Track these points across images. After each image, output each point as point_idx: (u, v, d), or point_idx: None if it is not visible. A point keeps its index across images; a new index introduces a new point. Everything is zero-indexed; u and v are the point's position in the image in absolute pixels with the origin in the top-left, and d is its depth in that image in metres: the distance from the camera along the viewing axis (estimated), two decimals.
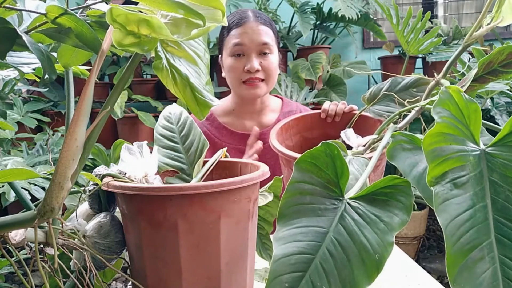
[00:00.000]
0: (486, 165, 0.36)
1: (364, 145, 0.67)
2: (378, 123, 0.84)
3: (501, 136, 0.37)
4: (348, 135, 0.74)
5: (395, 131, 0.55)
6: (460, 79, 0.61)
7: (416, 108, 0.57)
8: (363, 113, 0.88)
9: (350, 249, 0.36)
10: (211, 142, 1.17)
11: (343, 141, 0.73)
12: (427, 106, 0.56)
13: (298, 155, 0.77)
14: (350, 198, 0.41)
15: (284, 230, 0.37)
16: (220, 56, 1.23)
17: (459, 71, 1.76)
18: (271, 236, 0.73)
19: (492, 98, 2.07)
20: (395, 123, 0.62)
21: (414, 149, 0.41)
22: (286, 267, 0.35)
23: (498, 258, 0.31)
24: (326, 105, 0.96)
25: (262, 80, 1.14)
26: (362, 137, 0.73)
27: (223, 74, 1.22)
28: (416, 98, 0.72)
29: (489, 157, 0.36)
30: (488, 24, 0.53)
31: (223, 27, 1.19)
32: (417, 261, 0.89)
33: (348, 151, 0.60)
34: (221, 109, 1.24)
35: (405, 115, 0.60)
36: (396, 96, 0.74)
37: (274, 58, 1.15)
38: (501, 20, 0.52)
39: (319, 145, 0.42)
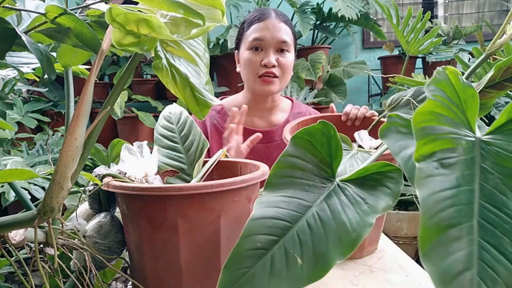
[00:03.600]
0: (479, 152, 0.35)
1: (376, 148, 0.67)
2: None
3: (498, 124, 0.37)
4: (362, 136, 0.74)
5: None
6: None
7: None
8: (382, 119, 0.87)
9: (330, 225, 0.36)
10: (220, 135, 1.19)
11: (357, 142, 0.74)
12: None
13: None
14: (341, 180, 0.41)
15: (268, 196, 0.38)
16: (236, 51, 1.24)
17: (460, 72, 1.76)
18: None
19: None
20: None
21: (408, 133, 0.41)
22: (262, 228, 0.35)
23: (477, 241, 0.30)
24: (348, 108, 0.98)
25: (277, 76, 1.16)
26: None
27: (238, 69, 1.23)
28: None
29: (484, 145, 0.36)
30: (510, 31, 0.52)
31: (243, 22, 1.22)
32: (417, 261, 0.89)
33: (353, 145, 0.60)
34: (232, 104, 1.25)
35: None
36: (416, 104, 0.71)
37: (290, 56, 1.18)
38: None
39: (317, 123, 0.42)
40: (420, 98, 0.72)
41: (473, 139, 0.36)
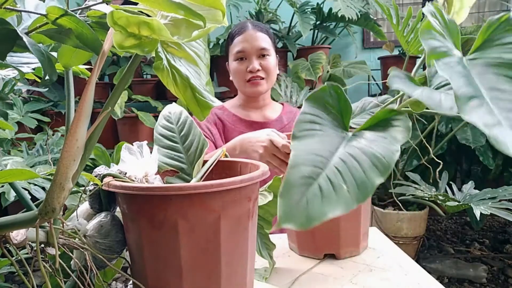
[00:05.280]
0: (468, 65, 0.44)
1: None
2: None
3: (476, 46, 0.46)
4: None
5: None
6: None
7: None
8: None
9: (361, 158, 0.41)
10: (224, 124, 1.41)
11: None
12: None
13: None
14: (354, 133, 0.47)
15: (299, 142, 0.42)
16: (227, 62, 1.43)
17: None
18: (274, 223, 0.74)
19: None
20: None
21: (409, 81, 0.49)
22: (305, 161, 0.39)
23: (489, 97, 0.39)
24: None
25: (263, 78, 1.35)
26: None
27: (231, 78, 1.42)
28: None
29: (469, 61, 0.44)
30: None
31: (227, 36, 1.42)
32: (417, 261, 0.89)
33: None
34: (230, 104, 1.48)
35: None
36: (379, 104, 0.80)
37: (272, 59, 1.36)
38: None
39: (324, 84, 0.48)
40: (369, 106, 0.83)
41: (461, 56, 0.45)
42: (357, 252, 0.85)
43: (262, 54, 1.33)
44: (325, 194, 0.37)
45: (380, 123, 0.47)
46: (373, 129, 0.46)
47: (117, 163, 0.61)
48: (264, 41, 1.33)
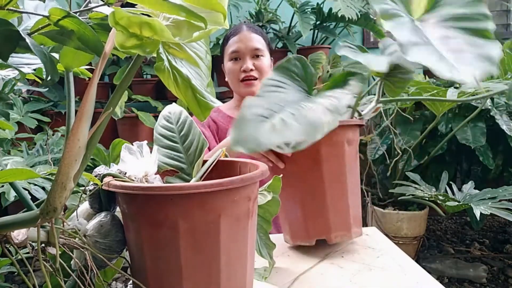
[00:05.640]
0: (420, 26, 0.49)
1: None
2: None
3: (426, 10, 0.51)
4: None
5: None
6: None
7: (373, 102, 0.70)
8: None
9: (319, 104, 0.45)
10: (218, 126, 1.44)
11: None
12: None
13: None
14: (316, 94, 0.52)
15: (259, 98, 0.46)
16: (222, 64, 1.47)
17: None
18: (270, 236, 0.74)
19: (492, 98, 2.07)
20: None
21: (357, 51, 0.55)
22: (263, 104, 0.43)
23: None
24: None
25: (256, 78, 1.37)
26: None
27: (226, 79, 1.45)
28: None
29: (421, 23, 0.49)
30: None
31: (223, 39, 1.46)
32: (417, 261, 0.89)
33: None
34: (226, 107, 1.52)
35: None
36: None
37: (265, 60, 1.39)
38: None
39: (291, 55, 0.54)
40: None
41: (412, 18, 0.49)
42: (349, 237, 0.85)
43: (256, 54, 1.36)
44: (277, 129, 0.39)
45: (339, 84, 0.52)
46: (332, 88, 0.51)
47: (113, 160, 0.61)
48: (258, 42, 1.37)
